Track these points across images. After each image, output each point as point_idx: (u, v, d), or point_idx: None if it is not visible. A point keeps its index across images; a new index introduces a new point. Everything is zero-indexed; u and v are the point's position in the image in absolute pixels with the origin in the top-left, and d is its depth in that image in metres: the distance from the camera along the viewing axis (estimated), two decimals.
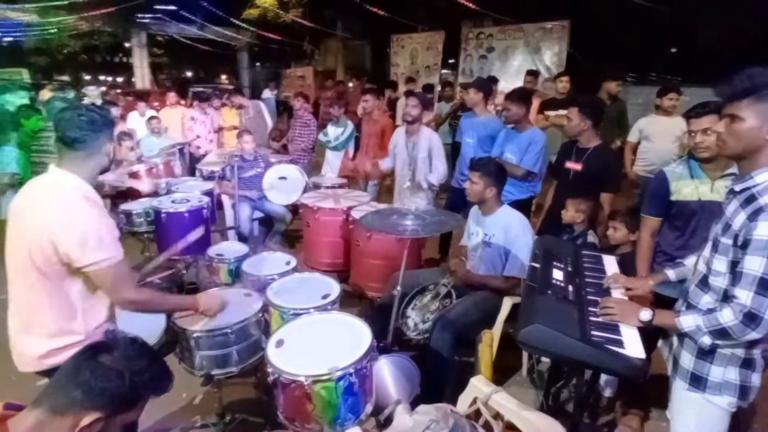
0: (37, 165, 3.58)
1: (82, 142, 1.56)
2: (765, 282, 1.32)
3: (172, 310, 2.01)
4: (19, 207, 1.58)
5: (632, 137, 4.53)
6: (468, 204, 3.90)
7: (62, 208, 1.50)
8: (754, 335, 1.36)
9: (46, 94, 12.47)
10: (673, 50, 13.85)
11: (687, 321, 1.50)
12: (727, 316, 1.39)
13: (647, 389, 2.43)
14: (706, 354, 1.53)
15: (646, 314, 1.60)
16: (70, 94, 11.31)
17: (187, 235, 2.70)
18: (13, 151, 3.91)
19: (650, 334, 1.71)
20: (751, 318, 1.34)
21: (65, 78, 23.50)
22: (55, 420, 0.99)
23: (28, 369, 1.63)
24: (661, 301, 2.05)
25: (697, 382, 1.56)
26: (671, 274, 1.89)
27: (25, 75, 16.35)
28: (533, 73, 6.38)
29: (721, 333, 1.41)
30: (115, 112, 5.99)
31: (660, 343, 1.84)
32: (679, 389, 1.63)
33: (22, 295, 1.59)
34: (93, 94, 6.74)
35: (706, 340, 1.45)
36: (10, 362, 2.59)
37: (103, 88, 7.11)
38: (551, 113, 5.04)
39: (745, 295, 1.35)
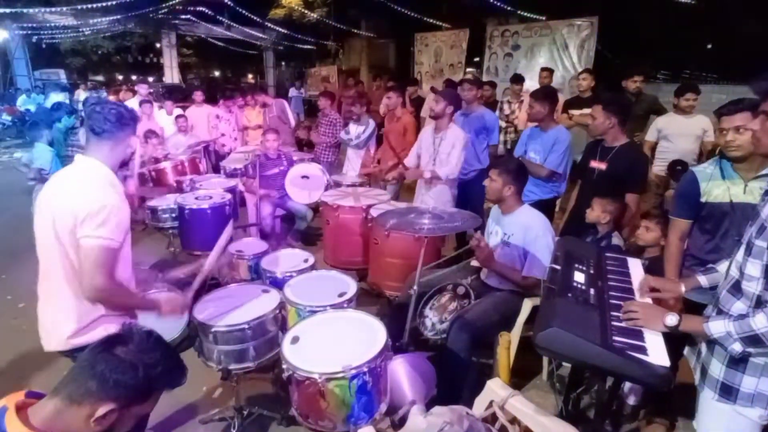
0: (68, 159, 3.71)
1: (109, 132, 1.69)
2: None
3: (135, 308, 1.89)
4: (48, 193, 1.68)
5: (650, 136, 4.40)
6: (472, 197, 3.89)
7: (85, 186, 1.62)
8: None
9: (81, 94, 13.02)
10: (709, 46, 13.31)
11: (716, 327, 1.42)
12: (759, 322, 1.32)
13: (674, 398, 2.34)
14: (737, 363, 1.45)
15: (672, 319, 1.53)
16: (103, 94, 11.76)
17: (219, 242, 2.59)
18: (44, 147, 4.06)
19: (676, 341, 1.64)
20: None
21: (99, 78, 24.37)
22: (72, 409, 1.02)
23: (53, 348, 1.71)
24: (689, 307, 1.97)
25: (728, 392, 1.49)
26: (703, 280, 1.81)
27: (62, 75, 17.04)
28: (548, 70, 6.25)
29: (754, 340, 1.34)
30: (147, 109, 6.22)
31: (687, 350, 1.76)
32: (708, 399, 1.56)
33: (49, 275, 1.66)
34: (143, 92, 7.14)
35: (737, 348, 1.38)
36: (43, 353, 2.69)
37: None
38: (575, 112, 4.93)
39: None
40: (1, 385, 2.71)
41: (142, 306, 1.85)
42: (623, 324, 1.61)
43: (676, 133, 4.20)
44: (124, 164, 1.81)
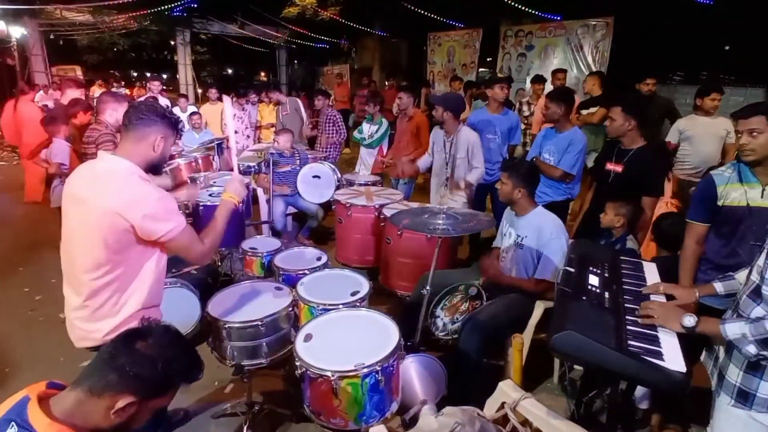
0: (87, 156, 3.74)
1: (134, 124, 1.67)
2: None
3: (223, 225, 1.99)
4: (81, 192, 1.64)
5: (671, 138, 4.31)
6: (497, 199, 3.87)
7: (129, 188, 1.60)
8: None
9: (96, 90, 13.19)
10: (727, 48, 13.08)
11: (732, 329, 1.42)
12: None
13: (687, 403, 2.31)
14: (756, 368, 1.45)
15: (689, 320, 1.51)
16: (122, 90, 11.93)
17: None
18: (62, 143, 4.12)
19: (692, 346, 1.62)
20: None
21: (114, 75, 24.65)
22: (92, 400, 1.04)
23: (87, 344, 1.70)
24: (703, 312, 1.95)
25: (744, 397, 1.48)
26: (719, 287, 1.79)
27: (78, 72, 17.27)
28: (563, 72, 6.22)
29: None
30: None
31: (704, 356, 1.75)
32: (723, 405, 1.55)
33: (90, 276, 1.63)
34: (155, 89, 7.27)
35: (752, 350, 1.38)
36: (59, 344, 2.74)
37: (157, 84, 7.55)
38: (583, 112, 4.92)
39: None
40: (19, 376, 2.76)
41: (228, 216, 1.95)
42: (639, 328, 1.60)
43: (699, 134, 4.09)
44: (154, 170, 1.74)
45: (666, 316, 1.58)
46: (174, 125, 1.77)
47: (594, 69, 7.98)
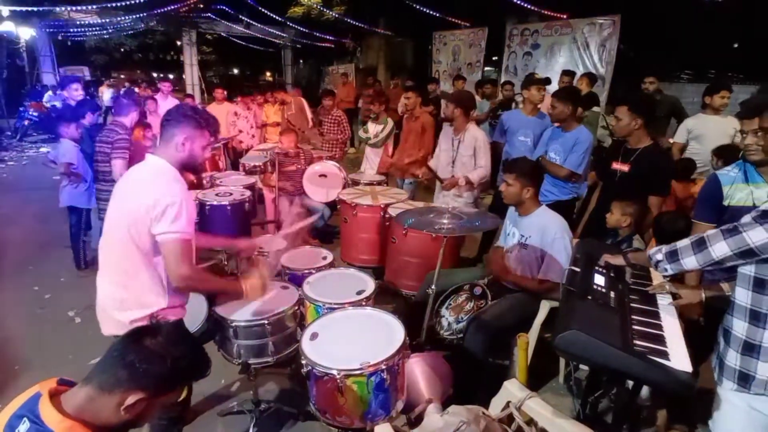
0: (98, 154, 3.76)
1: (163, 125, 1.79)
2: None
3: (219, 292, 2.13)
4: (125, 189, 1.79)
5: (679, 138, 4.26)
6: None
7: (154, 182, 1.70)
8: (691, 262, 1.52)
9: (105, 91, 13.29)
10: (735, 46, 12.97)
11: (653, 250, 1.67)
12: (681, 243, 1.57)
13: (695, 403, 2.30)
14: (751, 349, 1.49)
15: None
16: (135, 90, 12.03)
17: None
18: (69, 143, 4.15)
19: (699, 346, 1.63)
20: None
21: (121, 76, 24.85)
22: (103, 396, 1.05)
23: (116, 332, 1.76)
24: (712, 311, 1.95)
25: (744, 380, 1.52)
26: (726, 287, 1.79)
27: (86, 72, 17.41)
28: (569, 74, 6.17)
29: (672, 254, 1.57)
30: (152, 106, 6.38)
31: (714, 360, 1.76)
32: (726, 391, 1.58)
33: (120, 267, 1.74)
34: (165, 90, 7.37)
35: (659, 257, 1.61)
36: (68, 342, 2.77)
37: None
38: None
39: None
40: (29, 373, 2.80)
41: (227, 291, 1.98)
42: (645, 328, 1.61)
43: (708, 133, 4.04)
44: (190, 169, 1.84)
45: (613, 257, 1.93)
46: (202, 126, 1.78)
47: (601, 68, 7.94)
